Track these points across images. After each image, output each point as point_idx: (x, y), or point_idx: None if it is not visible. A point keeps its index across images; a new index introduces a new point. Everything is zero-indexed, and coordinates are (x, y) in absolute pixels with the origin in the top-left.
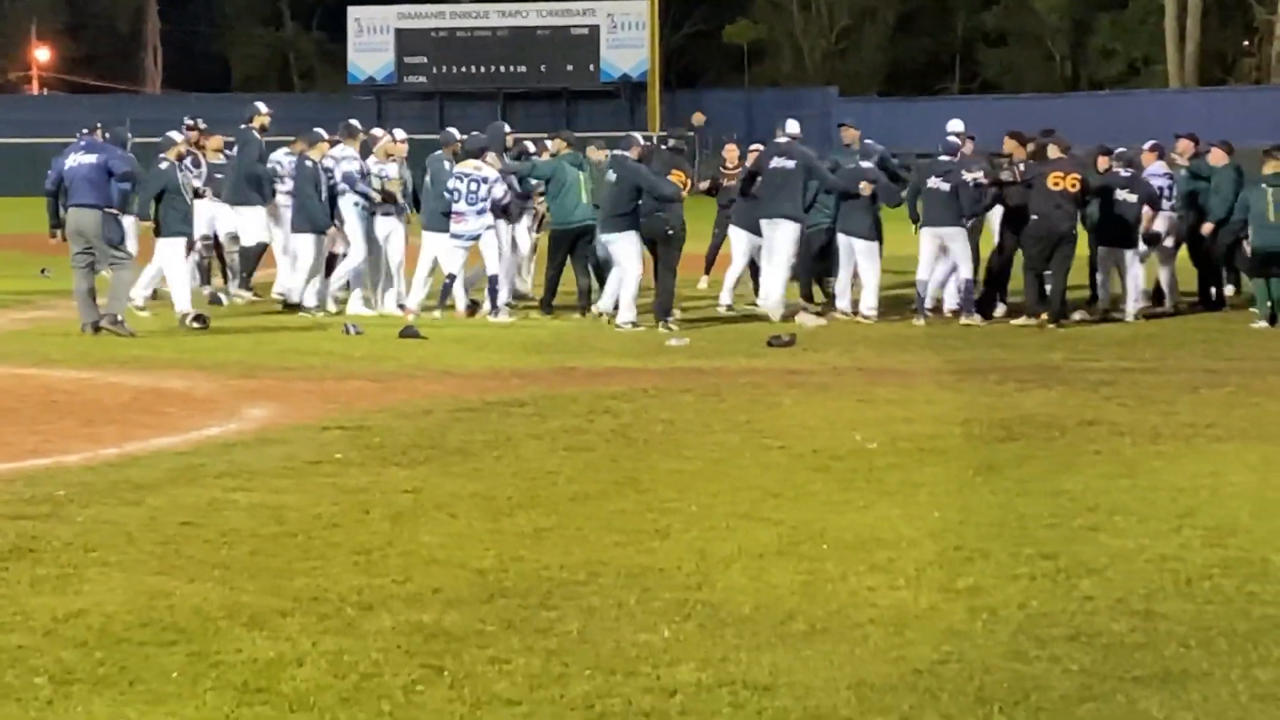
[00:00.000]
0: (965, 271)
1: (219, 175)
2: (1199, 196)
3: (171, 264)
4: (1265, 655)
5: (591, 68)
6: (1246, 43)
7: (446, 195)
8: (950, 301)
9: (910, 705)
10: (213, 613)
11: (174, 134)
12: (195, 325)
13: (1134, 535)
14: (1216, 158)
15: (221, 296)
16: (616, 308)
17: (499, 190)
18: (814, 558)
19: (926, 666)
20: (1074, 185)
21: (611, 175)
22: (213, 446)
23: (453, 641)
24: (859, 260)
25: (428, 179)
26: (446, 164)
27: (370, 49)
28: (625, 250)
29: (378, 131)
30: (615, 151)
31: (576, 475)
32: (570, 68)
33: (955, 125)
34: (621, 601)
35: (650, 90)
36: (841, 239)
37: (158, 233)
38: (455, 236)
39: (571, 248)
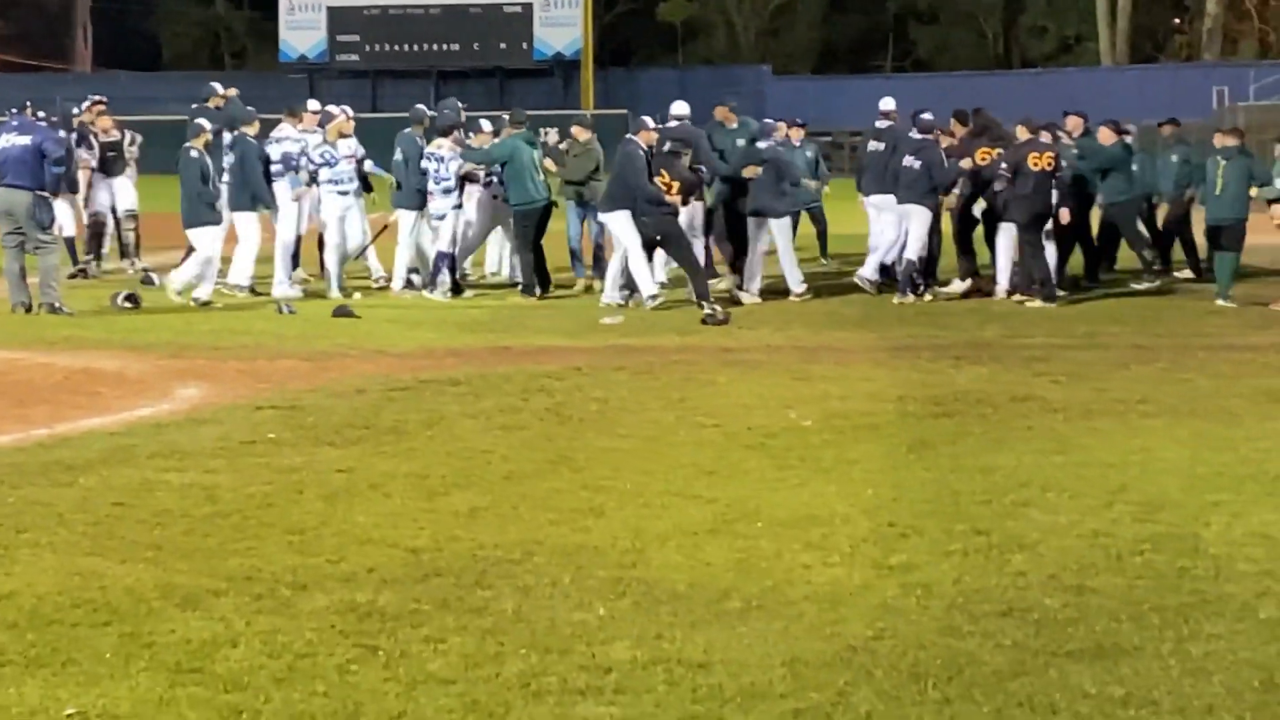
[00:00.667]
0: (913, 252)
1: (111, 153)
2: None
3: (209, 250)
4: (1196, 630)
5: (525, 46)
6: (1177, 20)
7: (422, 173)
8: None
9: (845, 681)
10: (146, 593)
11: (202, 121)
12: (126, 305)
13: (1066, 511)
14: (1104, 137)
15: (154, 276)
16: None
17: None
18: (748, 535)
19: (861, 643)
20: (1049, 164)
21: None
22: (145, 427)
23: (387, 621)
24: (776, 239)
25: (399, 156)
26: (418, 141)
27: (302, 27)
28: (620, 228)
29: (334, 109)
30: (628, 135)
31: (511, 454)
32: (503, 46)
33: (887, 103)
34: (556, 580)
35: (584, 69)
36: (752, 220)
37: (187, 224)
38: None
39: (539, 226)
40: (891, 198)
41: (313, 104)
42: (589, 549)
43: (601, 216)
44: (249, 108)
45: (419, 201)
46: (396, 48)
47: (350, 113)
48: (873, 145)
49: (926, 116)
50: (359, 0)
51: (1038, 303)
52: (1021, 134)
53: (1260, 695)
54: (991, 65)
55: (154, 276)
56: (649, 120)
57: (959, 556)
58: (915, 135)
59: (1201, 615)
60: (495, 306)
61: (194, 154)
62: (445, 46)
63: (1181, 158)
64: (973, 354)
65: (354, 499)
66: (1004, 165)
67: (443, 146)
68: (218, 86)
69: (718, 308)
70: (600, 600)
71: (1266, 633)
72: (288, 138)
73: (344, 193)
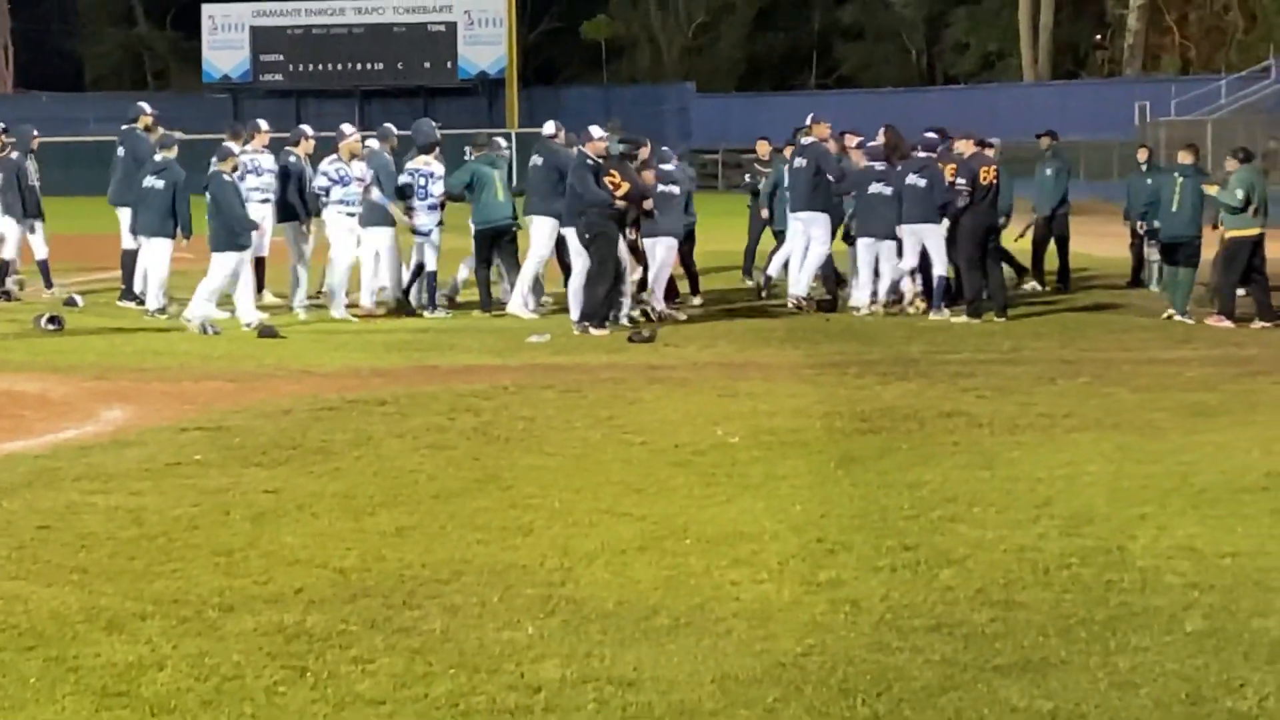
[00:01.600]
0: (940, 268)
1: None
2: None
3: (227, 275)
4: (1123, 643)
5: (449, 65)
6: (1099, 36)
7: (398, 190)
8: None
9: (774, 698)
10: (71, 617)
11: (231, 145)
12: (50, 327)
13: (993, 526)
14: (964, 149)
15: (77, 298)
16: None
17: (439, 188)
18: (677, 552)
19: (790, 659)
20: (993, 178)
21: (538, 160)
22: (69, 449)
23: (315, 642)
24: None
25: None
26: (386, 158)
27: (225, 47)
28: (537, 233)
29: (346, 128)
30: (577, 147)
31: (438, 473)
32: (428, 65)
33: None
34: (484, 599)
35: (508, 87)
36: (648, 242)
37: (217, 246)
38: (413, 232)
39: (493, 245)
40: (818, 214)
41: (263, 123)
42: (517, 568)
43: (525, 218)
44: (302, 126)
45: (390, 219)
46: (320, 67)
47: (350, 130)
48: (797, 162)
49: (930, 135)
50: (282, 20)
51: (963, 318)
52: (967, 148)
53: (1187, 707)
54: (915, 82)
55: (76, 298)
56: (595, 130)
57: (887, 572)
58: (919, 154)
59: (1128, 628)
60: (421, 326)
61: (226, 178)
62: (369, 65)
63: (1055, 171)
64: (899, 370)
65: (281, 520)
66: (961, 180)
67: (429, 164)
68: (145, 106)
69: (594, 331)
70: (529, 619)
71: (1193, 645)
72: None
73: (352, 214)
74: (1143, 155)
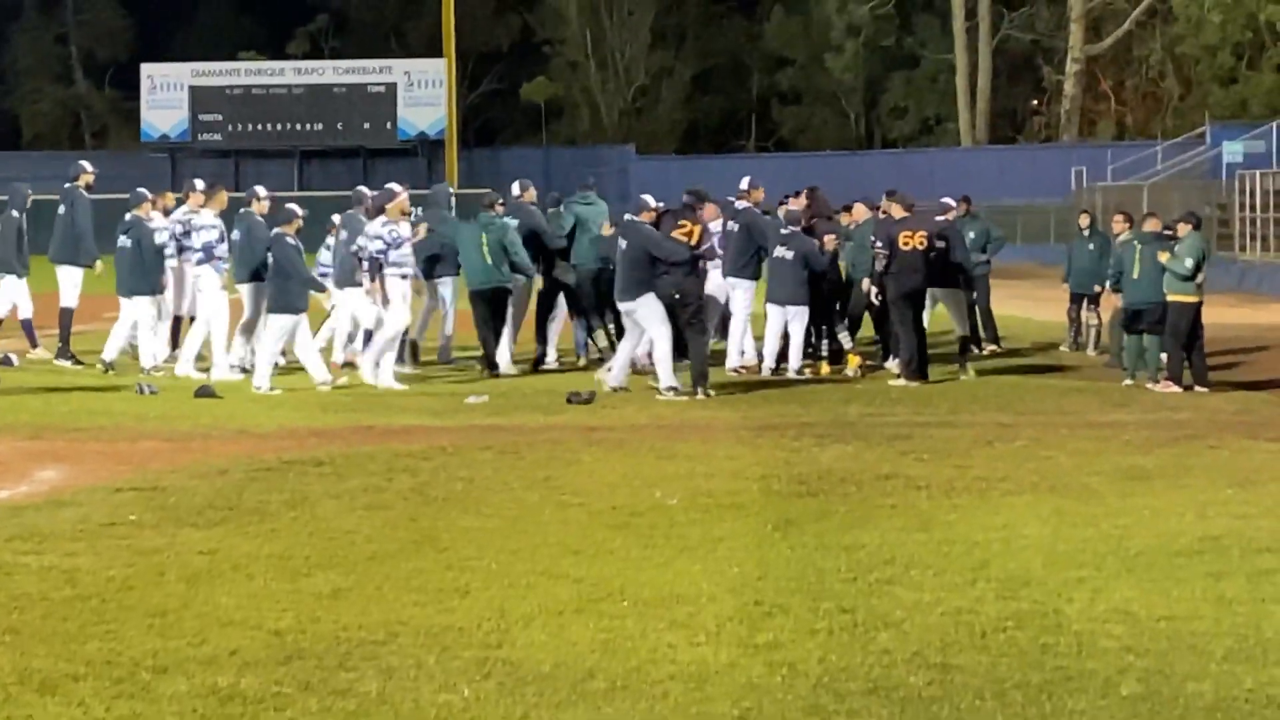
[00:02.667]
0: (961, 329)
1: None
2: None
3: (283, 337)
4: (1059, 707)
5: (389, 125)
6: (1035, 101)
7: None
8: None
9: None
10: (3, 678)
11: (294, 206)
12: None
13: (930, 588)
14: (857, 214)
15: (12, 357)
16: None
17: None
18: (614, 615)
19: None
20: (921, 243)
21: (622, 243)
22: (3, 509)
23: (249, 704)
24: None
25: (343, 236)
26: (362, 219)
27: (164, 106)
28: (647, 314)
29: (395, 187)
30: (626, 216)
31: (375, 534)
32: (367, 126)
33: (744, 182)
34: (421, 661)
35: (448, 148)
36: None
37: (275, 308)
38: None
39: (491, 306)
40: (744, 281)
41: (199, 182)
42: (453, 629)
43: (623, 306)
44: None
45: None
46: (259, 127)
47: (399, 190)
48: (730, 226)
49: (948, 201)
50: (222, 80)
51: (901, 381)
52: (896, 212)
53: None
54: (854, 145)
55: (12, 357)
56: (650, 199)
57: (824, 635)
58: (938, 218)
59: (1064, 692)
60: (359, 388)
61: (290, 240)
62: (309, 126)
63: (977, 233)
64: (836, 432)
65: (216, 580)
66: (879, 243)
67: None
68: (86, 165)
69: (711, 393)
70: (465, 681)
71: (1129, 709)
72: (206, 226)
73: (405, 276)
74: (1084, 221)
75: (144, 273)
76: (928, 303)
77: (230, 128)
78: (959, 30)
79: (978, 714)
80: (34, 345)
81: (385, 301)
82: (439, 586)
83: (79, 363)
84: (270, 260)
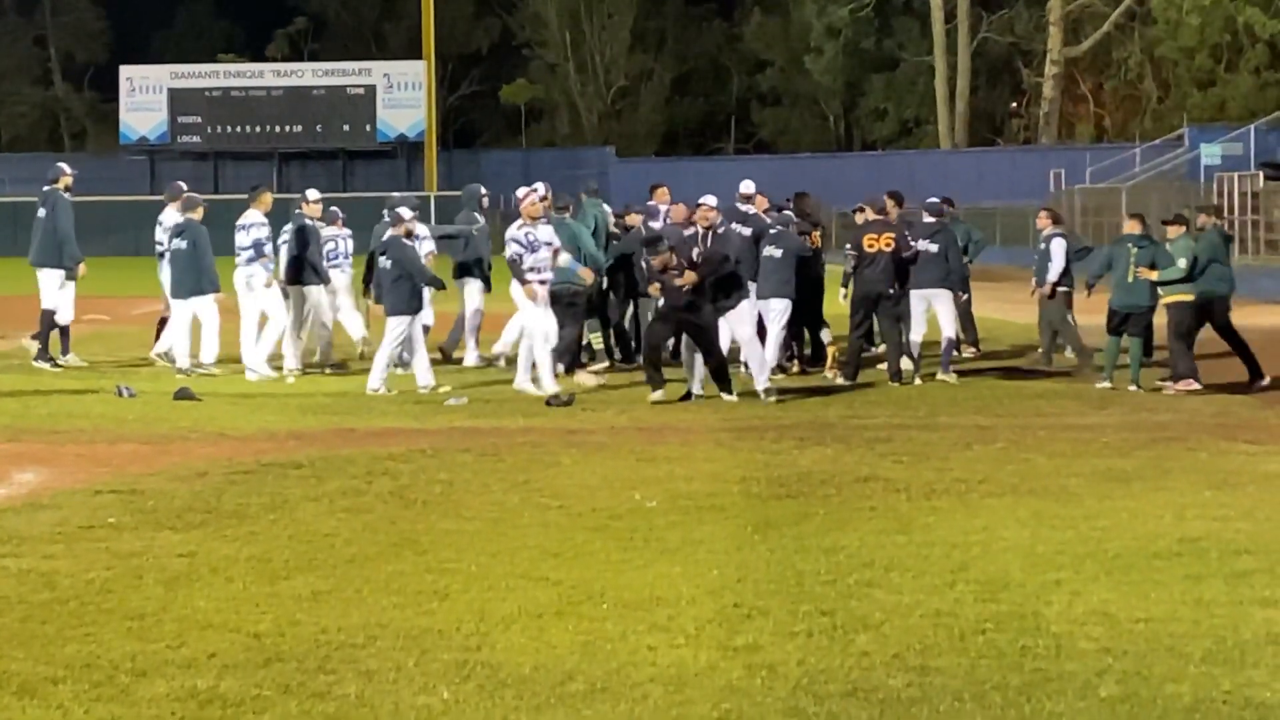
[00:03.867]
0: (949, 331)
1: None
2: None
3: (400, 337)
4: (1038, 709)
5: (368, 128)
6: (1014, 104)
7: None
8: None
9: None
10: None
11: (403, 210)
12: None
13: (909, 591)
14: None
15: None
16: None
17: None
18: (593, 617)
19: None
20: (888, 245)
21: (777, 251)
22: None
23: (228, 707)
24: None
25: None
26: (308, 222)
27: (143, 109)
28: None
29: (527, 190)
30: (776, 228)
31: (354, 537)
32: (346, 128)
33: (747, 186)
34: (400, 664)
35: (427, 150)
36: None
37: (394, 310)
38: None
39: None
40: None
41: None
42: (433, 632)
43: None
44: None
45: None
46: (238, 129)
47: (534, 191)
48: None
49: (934, 200)
50: (200, 83)
51: (835, 375)
52: (860, 217)
53: None
54: (833, 147)
55: None
56: (711, 198)
57: (804, 637)
58: (927, 219)
59: (1043, 694)
60: (339, 390)
61: (406, 241)
62: (287, 128)
63: (959, 236)
64: (816, 435)
65: (195, 584)
66: (849, 246)
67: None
68: (65, 167)
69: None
70: (444, 684)
71: (1107, 711)
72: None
73: (544, 282)
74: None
75: (200, 272)
76: (918, 304)
77: (209, 130)
78: (938, 33)
79: (957, 716)
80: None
81: (529, 307)
82: (418, 589)
83: (57, 365)
84: (387, 264)
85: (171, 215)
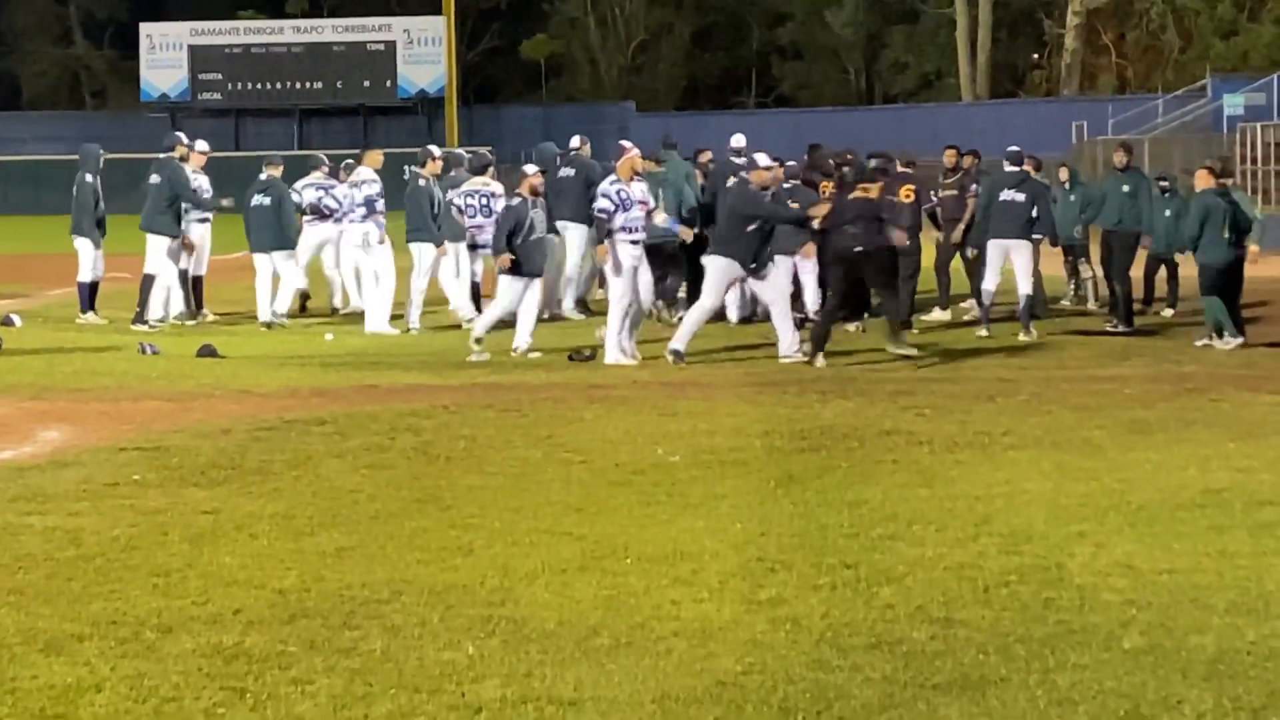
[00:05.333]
0: (1026, 286)
1: None
2: None
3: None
4: (1062, 661)
5: (389, 84)
6: (1036, 55)
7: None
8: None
9: (714, 717)
10: (8, 638)
11: (432, 148)
12: None
13: (932, 544)
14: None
15: (14, 317)
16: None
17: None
18: (617, 572)
19: (730, 678)
20: (908, 196)
21: (569, 171)
22: (6, 470)
23: (254, 663)
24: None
25: (451, 193)
26: (422, 181)
27: (164, 65)
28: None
29: (625, 144)
30: (743, 175)
31: (378, 493)
32: (367, 84)
33: (738, 140)
34: (425, 619)
35: (448, 106)
36: None
37: (516, 269)
38: (480, 247)
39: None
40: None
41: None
42: (457, 588)
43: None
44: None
45: (432, 236)
46: (259, 86)
47: (629, 146)
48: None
49: (1014, 149)
50: (221, 39)
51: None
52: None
53: None
54: (854, 101)
55: (14, 317)
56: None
57: (827, 590)
58: (1010, 168)
59: (1067, 646)
60: (363, 345)
61: (516, 200)
62: (308, 85)
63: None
64: (838, 388)
65: (219, 540)
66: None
67: (490, 184)
68: (182, 136)
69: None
70: (469, 639)
71: (1131, 662)
72: (367, 180)
73: (635, 241)
74: (1064, 174)
75: (282, 227)
76: (996, 254)
77: (230, 86)
78: None
79: (981, 668)
80: (84, 310)
81: (616, 268)
82: (442, 545)
83: (191, 319)
84: (509, 223)
85: (367, 172)
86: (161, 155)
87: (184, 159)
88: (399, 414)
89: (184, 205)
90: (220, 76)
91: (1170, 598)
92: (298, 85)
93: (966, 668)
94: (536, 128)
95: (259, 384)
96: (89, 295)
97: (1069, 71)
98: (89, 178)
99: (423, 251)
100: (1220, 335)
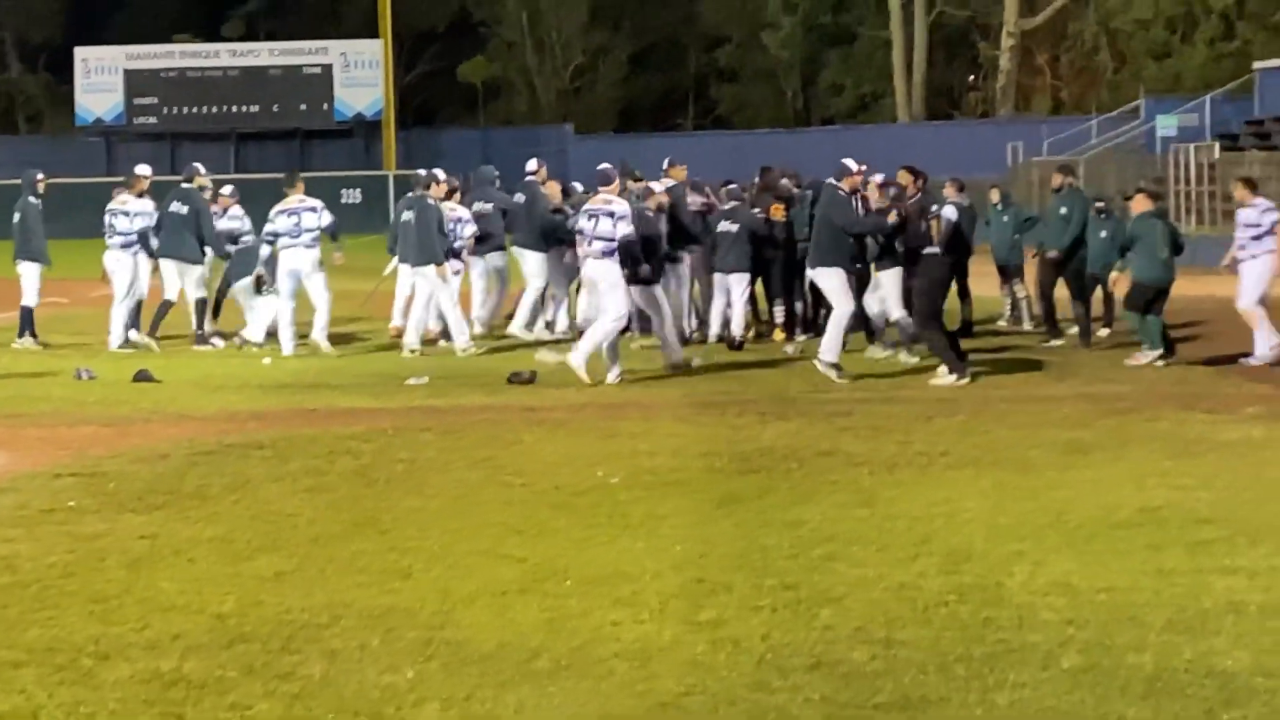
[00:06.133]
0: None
1: None
2: None
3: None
4: (1001, 679)
5: (325, 107)
6: (972, 77)
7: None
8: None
9: None
10: None
11: (437, 171)
12: None
13: (872, 564)
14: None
15: None
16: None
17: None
18: (557, 594)
19: (671, 699)
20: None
21: (733, 226)
22: None
23: (192, 689)
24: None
25: (406, 217)
26: (430, 203)
27: (99, 90)
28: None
29: (665, 171)
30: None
31: (317, 517)
32: (304, 107)
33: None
34: (364, 643)
35: (385, 129)
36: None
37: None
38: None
39: None
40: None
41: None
42: (397, 611)
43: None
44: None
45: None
46: (195, 110)
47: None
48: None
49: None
50: (156, 63)
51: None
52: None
53: None
54: (791, 123)
55: None
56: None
57: (768, 611)
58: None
59: (1006, 665)
60: (301, 368)
61: (430, 203)
62: (245, 108)
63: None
64: (778, 409)
65: (157, 565)
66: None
67: (455, 210)
68: (200, 168)
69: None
70: (409, 662)
71: (1069, 681)
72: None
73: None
74: (995, 196)
75: (425, 245)
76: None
77: (166, 110)
78: (895, 7)
79: (921, 688)
80: (21, 334)
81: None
82: (382, 568)
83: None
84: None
85: (135, 202)
86: (184, 185)
87: (203, 188)
88: (338, 437)
89: (110, 231)
90: (156, 100)
91: (1108, 616)
92: (234, 109)
93: (906, 688)
94: (475, 150)
95: (196, 408)
96: (29, 320)
97: (1004, 93)
98: (33, 200)
99: (427, 273)
100: (1153, 349)
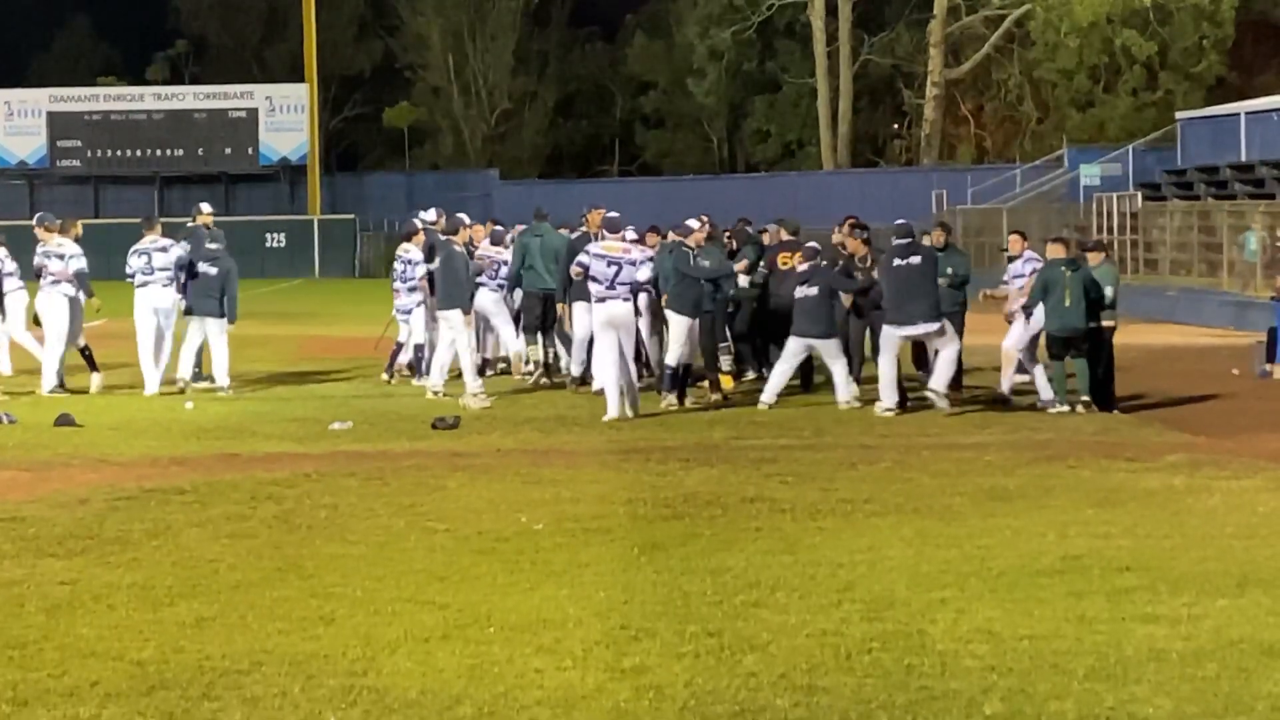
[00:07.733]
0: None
1: None
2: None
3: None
4: None
5: (250, 151)
6: (896, 125)
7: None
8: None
9: None
10: None
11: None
12: None
13: (795, 611)
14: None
15: None
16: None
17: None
18: (481, 640)
19: None
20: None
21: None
22: None
23: None
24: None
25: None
26: (457, 248)
27: (22, 132)
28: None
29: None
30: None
31: (238, 562)
32: (228, 151)
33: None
34: (285, 690)
35: (311, 173)
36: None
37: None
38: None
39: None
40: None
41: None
42: (319, 657)
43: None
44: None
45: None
46: (119, 153)
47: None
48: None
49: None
50: (80, 105)
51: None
52: (779, 236)
53: None
54: (716, 169)
55: None
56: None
57: (691, 658)
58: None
59: (929, 712)
60: (224, 413)
61: (457, 248)
62: (169, 152)
63: None
64: (701, 455)
65: (77, 611)
66: (762, 265)
67: (409, 251)
68: (204, 206)
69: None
70: (331, 710)
71: None
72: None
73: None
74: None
75: (450, 289)
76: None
77: (89, 154)
78: (820, 55)
79: None
80: None
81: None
82: (304, 614)
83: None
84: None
85: (70, 245)
86: (189, 223)
87: (208, 226)
88: (260, 482)
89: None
90: (80, 143)
91: (1030, 663)
92: (159, 152)
93: None
94: (400, 195)
95: (118, 453)
96: None
97: (929, 141)
98: None
99: (452, 319)
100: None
